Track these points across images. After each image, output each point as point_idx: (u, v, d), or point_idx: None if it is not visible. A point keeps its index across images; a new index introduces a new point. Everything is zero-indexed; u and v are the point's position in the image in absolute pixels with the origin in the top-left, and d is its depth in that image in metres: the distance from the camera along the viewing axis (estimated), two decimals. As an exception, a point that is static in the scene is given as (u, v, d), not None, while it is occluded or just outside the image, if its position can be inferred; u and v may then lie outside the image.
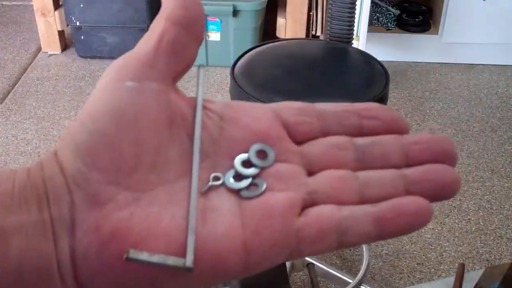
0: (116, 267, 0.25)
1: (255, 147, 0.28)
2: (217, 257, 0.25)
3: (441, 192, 0.27)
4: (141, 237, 0.25)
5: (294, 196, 0.27)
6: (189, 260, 0.25)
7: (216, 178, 0.27)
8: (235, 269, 0.26)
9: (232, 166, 0.28)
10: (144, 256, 0.24)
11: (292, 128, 0.29)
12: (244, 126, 0.29)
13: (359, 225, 0.26)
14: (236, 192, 0.27)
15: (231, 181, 0.27)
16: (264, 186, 0.27)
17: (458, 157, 0.29)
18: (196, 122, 0.28)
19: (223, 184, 0.27)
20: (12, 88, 2.45)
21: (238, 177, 0.28)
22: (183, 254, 0.25)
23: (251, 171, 0.28)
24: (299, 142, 0.29)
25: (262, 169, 0.28)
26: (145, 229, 0.25)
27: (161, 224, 0.25)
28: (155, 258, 0.25)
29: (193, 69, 0.30)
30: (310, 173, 0.28)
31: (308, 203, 0.27)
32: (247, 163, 0.28)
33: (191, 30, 0.28)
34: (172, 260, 0.25)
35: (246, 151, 0.28)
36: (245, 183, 0.27)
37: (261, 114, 0.29)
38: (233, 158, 0.28)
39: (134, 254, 0.24)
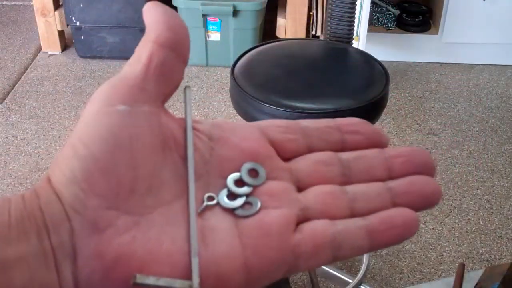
0: None
1: (247, 166, 0.29)
2: (221, 278, 0.26)
3: (424, 202, 0.28)
4: (145, 262, 0.25)
5: (288, 213, 0.27)
6: (195, 283, 0.25)
7: (211, 198, 0.28)
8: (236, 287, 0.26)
9: (224, 186, 0.28)
10: (151, 280, 0.25)
11: (279, 145, 0.30)
12: (234, 145, 0.29)
13: (352, 239, 0.27)
14: (231, 211, 0.28)
15: (225, 200, 0.28)
16: (259, 205, 0.28)
17: (436, 169, 0.30)
18: (188, 144, 0.28)
19: (217, 203, 0.28)
20: (12, 88, 2.45)
21: (232, 196, 0.28)
22: (187, 276, 0.25)
23: (244, 190, 0.28)
24: (286, 159, 0.30)
25: (254, 187, 0.28)
26: (147, 253, 0.25)
27: (162, 247, 0.25)
28: (162, 282, 0.25)
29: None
30: (299, 189, 0.29)
31: (301, 219, 0.28)
32: (239, 182, 0.28)
33: (179, 52, 0.28)
34: (178, 283, 0.25)
35: (237, 170, 0.29)
36: (239, 202, 0.28)
37: (249, 133, 0.30)
38: (225, 178, 0.29)
39: (141, 278, 0.24)
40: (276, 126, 0.31)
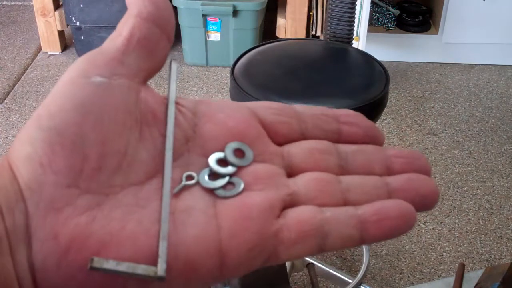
0: (78, 277, 0.22)
1: (232, 145, 0.27)
2: (190, 263, 0.23)
3: (421, 202, 0.26)
4: (104, 243, 0.23)
5: (273, 196, 0.25)
6: (161, 269, 0.23)
7: (190, 178, 0.26)
8: (209, 274, 0.24)
9: (206, 165, 0.26)
10: (110, 264, 0.22)
11: (270, 127, 0.28)
12: (220, 122, 0.27)
13: (341, 228, 0.25)
14: (212, 191, 0.25)
15: (206, 179, 0.26)
16: (242, 186, 0.26)
17: (435, 170, 0.29)
18: (168, 118, 0.26)
19: (197, 183, 0.26)
20: (12, 88, 2.45)
21: (214, 176, 0.26)
22: (152, 261, 0.23)
23: (228, 169, 0.26)
24: (277, 143, 0.28)
25: (239, 168, 0.26)
26: (107, 234, 0.23)
27: (126, 229, 0.23)
28: (123, 267, 0.22)
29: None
30: (290, 175, 0.27)
31: (288, 205, 0.26)
32: (223, 162, 0.26)
33: (162, 27, 0.27)
34: (141, 269, 0.22)
35: (221, 149, 0.27)
36: (221, 182, 0.26)
37: (237, 111, 0.28)
38: (208, 157, 0.26)
39: (99, 262, 0.22)
40: (269, 107, 0.29)
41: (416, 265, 1.67)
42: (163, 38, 0.27)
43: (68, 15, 2.56)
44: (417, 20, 2.71)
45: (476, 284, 0.77)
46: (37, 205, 0.23)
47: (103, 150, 0.24)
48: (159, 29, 0.27)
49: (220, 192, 0.25)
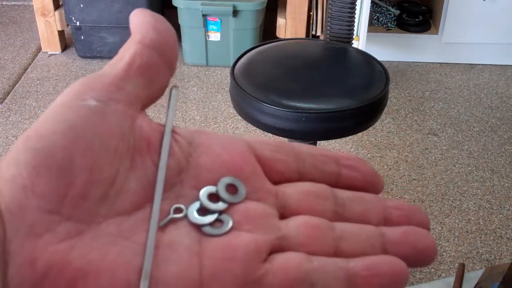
0: None
1: (225, 180, 0.26)
2: None
3: (417, 256, 0.26)
4: (81, 273, 0.22)
5: (261, 239, 0.24)
6: None
7: (178, 210, 0.25)
8: None
9: (197, 198, 0.25)
10: None
11: (266, 164, 0.27)
12: (215, 155, 0.26)
13: (329, 280, 0.24)
14: (199, 228, 0.25)
15: (194, 215, 0.25)
16: (230, 224, 0.25)
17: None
18: (162, 149, 0.25)
19: (185, 217, 0.25)
20: (12, 88, 2.45)
21: (203, 211, 0.25)
22: None
23: (219, 206, 0.25)
24: (273, 180, 0.27)
25: (230, 205, 0.25)
26: (86, 263, 0.22)
27: (105, 259, 0.22)
28: None
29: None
30: (283, 216, 0.26)
31: (276, 249, 0.25)
32: (214, 197, 0.26)
33: (165, 56, 0.26)
34: None
35: (214, 183, 0.26)
36: (209, 218, 0.25)
37: (234, 144, 0.27)
38: (199, 189, 0.26)
39: None
40: (267, 143, 0.28)
41: (416, 265, 1.67)
42: (165, 66, 0.27)
43: (68, 15, 2.56)
44: (417, 20, 2.71)
45: (476, 284, 0.77)
46: (16, 229, 0.22)
47: (90, 177, 0.23)
48: (161, 58, 0.26)
49: (207, 230, 0.25)
